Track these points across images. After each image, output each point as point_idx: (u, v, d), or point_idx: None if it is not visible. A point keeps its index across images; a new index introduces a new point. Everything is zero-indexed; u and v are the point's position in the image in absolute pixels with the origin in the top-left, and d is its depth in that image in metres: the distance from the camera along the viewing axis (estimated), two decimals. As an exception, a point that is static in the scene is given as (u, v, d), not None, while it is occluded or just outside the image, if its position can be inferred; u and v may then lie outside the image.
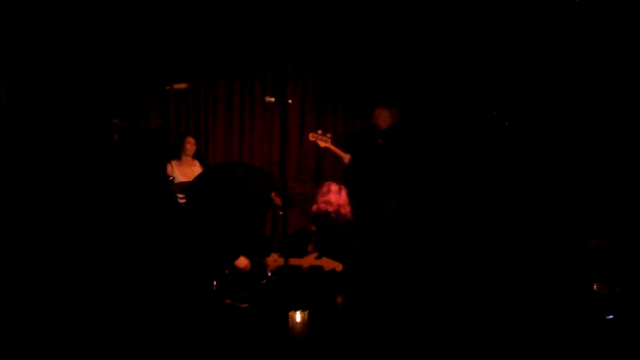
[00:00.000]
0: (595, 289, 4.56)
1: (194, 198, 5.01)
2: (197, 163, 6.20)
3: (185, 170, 6.02)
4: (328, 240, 5.18)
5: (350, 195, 5.44)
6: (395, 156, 5.78)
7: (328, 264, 4.95)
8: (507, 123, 5.72)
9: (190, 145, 6.11)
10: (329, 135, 5.96)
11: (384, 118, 5.94)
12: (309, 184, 6.52)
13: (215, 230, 4.72)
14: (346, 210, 5.33)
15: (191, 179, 5.84)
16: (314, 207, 5.36)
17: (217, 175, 5.02)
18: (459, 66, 6.52)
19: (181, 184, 5.74)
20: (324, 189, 5.38)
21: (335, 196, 5.31)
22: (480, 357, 3.91)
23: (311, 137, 5.92)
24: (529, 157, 6.04)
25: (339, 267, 4.94)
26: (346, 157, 5.96)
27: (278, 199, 5.11)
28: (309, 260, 4.97)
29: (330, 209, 5.28)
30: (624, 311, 4.40)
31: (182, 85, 5.65)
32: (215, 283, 4.63)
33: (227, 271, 4.65)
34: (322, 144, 5.94)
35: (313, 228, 5.47)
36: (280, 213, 5.12)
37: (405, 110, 6.53)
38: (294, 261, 4.94)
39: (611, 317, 4.34)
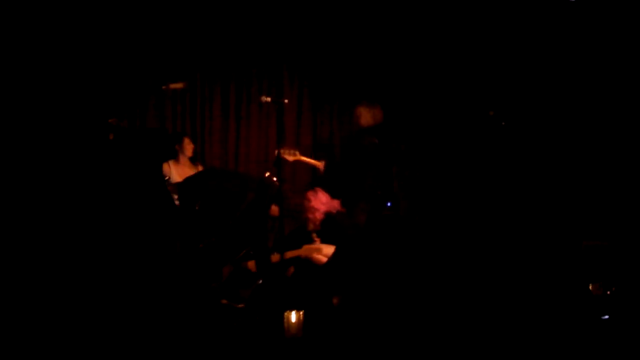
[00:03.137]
0: (590, 289, 4.56)
1: (190, 200, 5.00)
2: (195, 164, 6.19)
3: (182, 171, 6.00)
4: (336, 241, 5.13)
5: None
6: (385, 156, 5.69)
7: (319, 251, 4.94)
8: (503, 123, 5.72)
9: (188, 145, 6.11)
10: (293, 150, 5.81)
11: (365, 117, 5.77)
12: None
13: (212, 233, 4.72)
14: (336, 204, 5.26)
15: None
16: (311, 226, 5.26)
17: (211, 180, 5.01)
18: (456, 66, 6.52)
19: (178, 184, 5.73)
20: (305, 202, 5.30)
21: (316, 201, 5.23)
22: (477, 356, 3.91)
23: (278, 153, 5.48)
24: (526, 157, 6.05)
25: (330, 249, 4.92)
26: (320, 165, 5.82)
27: (276, 208, 5.03)
28: (305, 248, 4.96)
29: (324, 209, 5.22)
30: (620, 311, 4.41)
31: (179, 85, 5.64)
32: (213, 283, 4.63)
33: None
34: (290, 158, 5.75)
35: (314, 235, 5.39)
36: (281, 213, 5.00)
37: (401, 110, 6.54)
38: (290, 254, 4.95)
39: (607, 317, 4.35)
